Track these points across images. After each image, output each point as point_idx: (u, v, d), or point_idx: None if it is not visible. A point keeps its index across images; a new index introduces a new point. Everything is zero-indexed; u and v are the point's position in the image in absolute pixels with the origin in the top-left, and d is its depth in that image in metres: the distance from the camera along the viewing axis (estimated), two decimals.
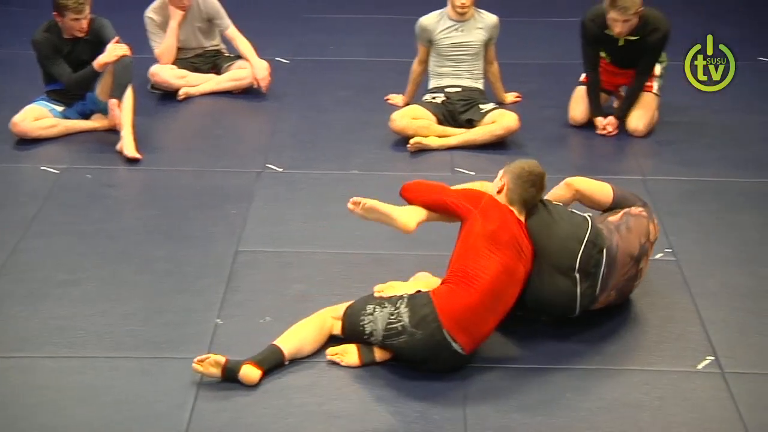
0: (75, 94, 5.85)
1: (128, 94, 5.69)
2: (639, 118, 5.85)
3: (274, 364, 3.82)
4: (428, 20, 5.85)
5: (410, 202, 4.10)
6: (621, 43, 5.68)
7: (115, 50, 5.66)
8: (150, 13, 6.37)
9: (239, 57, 6.43)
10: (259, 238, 4.81)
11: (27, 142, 5.69)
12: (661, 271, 4.34)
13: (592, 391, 3.82)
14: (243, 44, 6.39)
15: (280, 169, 5.50)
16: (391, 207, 4.04)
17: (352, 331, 3.90)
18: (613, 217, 4.12)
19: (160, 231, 4.90)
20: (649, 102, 5.87)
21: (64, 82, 5.76)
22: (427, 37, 5.84)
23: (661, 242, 4.52)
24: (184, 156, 5.70)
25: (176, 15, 6.32)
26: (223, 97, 6.35)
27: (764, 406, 3.74)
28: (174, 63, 6.37)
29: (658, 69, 5.87)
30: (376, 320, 3.83)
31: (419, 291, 3.88)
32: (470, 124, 5.77)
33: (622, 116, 5.88)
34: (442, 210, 4.03)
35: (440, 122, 5.79)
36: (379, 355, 3.90)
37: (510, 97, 6.19)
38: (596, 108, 5.90)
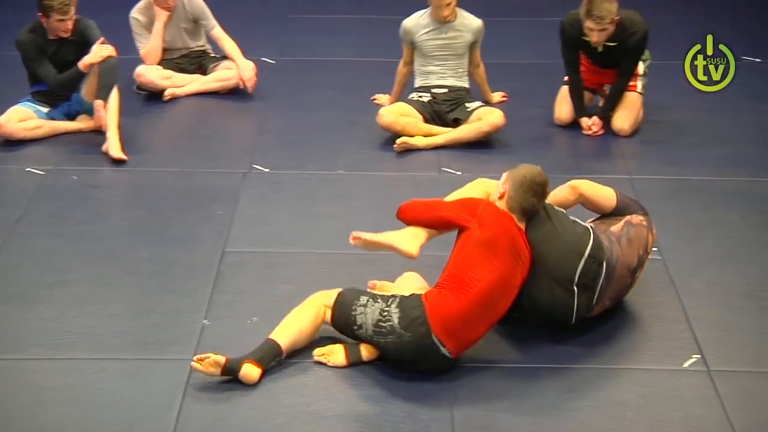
0: (60, 95, 5.83)
1: (114, 95, 5.68)
2: (624, 118, 5.87)
3: (272, 360, 3.82)
4: (411, 22, 5.83)
5: (408, 224, 4.04)
6: (600, 49, 5.69)
7: (100, 51, 5.65)
8: (135, 13, 6.35)
9: (225, 57, 6.42)
10: (245, 239, 4.81)
11: (12, 143, 5.67)
12: (648, 270, 4.35)
13: (578, 389, 3.83)
14: (229, 45, 6.38)
15: (267, 170, 5.49)
16: (391, 237, 3.97)
17: (342, 321, 3.89)
18: (615, 227, 4.09)
19: (147, 232, 4.89)
20: (633, 101, 5.89)
21: (50, 83, 5.75)
22: (410, 39, 5.83)
23: None
24: (170, 157, 5.69)
25: (161, 15, 6.31)
26: (209, 98, 6.34)
27: (750, 403, 3.75)
28: (159, 64, 6.36)
29: (641, 68, 5.88)
30: (367, 314, 3.82)
31: (413, 294, 3.87)
32: (457, 123, 5.77)
33: (606, 116, 5.90)
34: (441, 225, 3.98)
35: (426, 121, 5.79)
36: (366, 354, 3.90)
37: (496, 96, 6.20)
38: (580, 109, 5.91)
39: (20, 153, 5.63)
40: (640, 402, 3.76)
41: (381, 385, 3.82)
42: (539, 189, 3.97)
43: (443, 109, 5.80)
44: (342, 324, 3.90)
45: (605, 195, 4.20)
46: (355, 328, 3.86)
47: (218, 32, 6.39)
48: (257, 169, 5.50)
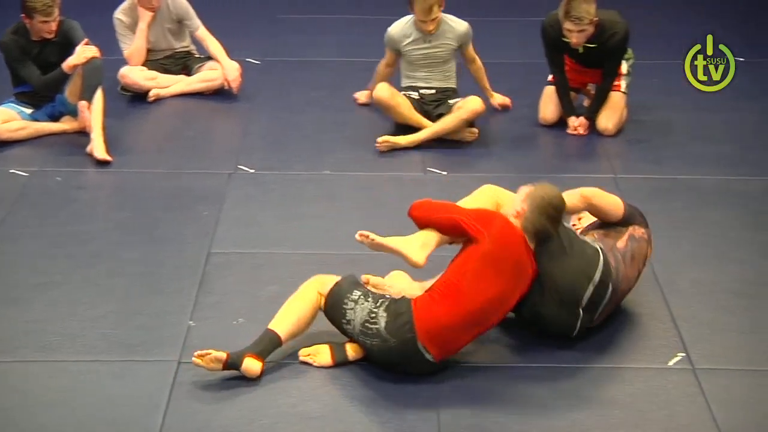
0: (44, 97, 5.81)
1: (98, 96, 5.66)
2: (608, 118, 5.88)
3: (272, 351, 3.83)
4: (396, 30, 5.77)
5: (418, 221, 3.99)
6: (581, 50, 5.70)
7: (84, 52, 5.63)
8: (119, 14, 6.33)
9: (210, 58, 6.41)
10: (231, 240, 4.81)
11: None
12: None
13: (564, 389, 3.84)
14: (213, 45, 6.37)
15: (252, 170, 5.49)
16: (400, 243, 3.92)
17: (333, 312, 3.88)
18: (621, 242, 4.08)
19: (132, 233, 4.88)
20: (617, 101, 5.91)
21: (33, 84, 5.73)
22: (395, 47, 5.81)
23: None
24: (155, 158, 5.67)
25: (145, 16, 6.29)
26: (194, 99, 6.33)
27: (734, 401, 3.77)
28: (144, 64, 6.34)
29: (624, 67, 5.90)
30: (356, 311, 3.82)
31: (403, 297, 3.85)
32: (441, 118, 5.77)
33: (592, 116, 5.91)
34: (451, 229, 3.91)
35: None
36: (352, 354, 3.90)
37: (498, 98, 6.09)
38: (568, 108, 5.92)
39: (4, 154, 5.60)
40: (626, 401, 3.78)
41: (368, 386, 3.82)
42: (555, 214, 3.91)
43: (430, 109, 5.80)
44: (333, 315, 3.90)
45: (614, 206, 4.16)
46: (344, 322, 3.86)
47: (203, 33, 6.38)
48: (243, 169, 5.49)
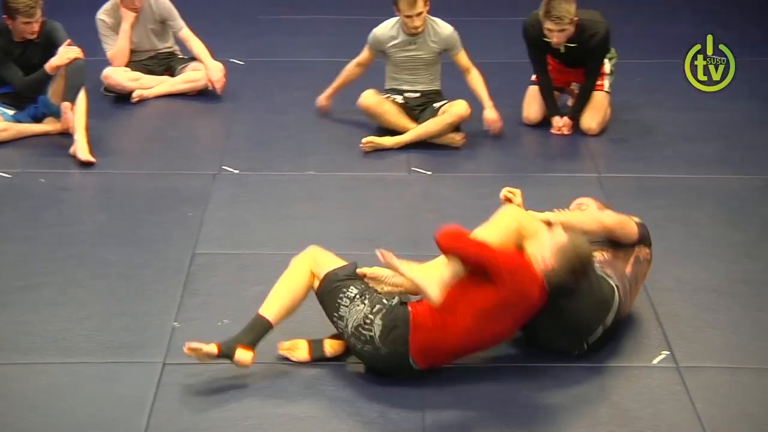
0: (27, 98, 5.79)
1: (81, 97, 5.64)
2: (592, 118, 5.90)
3: (263, 337, 3.82)
4: (382, 33, 5.75)
5: (445, 250, 3.83)
6: (562, 50, 5.72)
7: (67, 53, 5.62)
8: (102, 15, 6.32)
9: (193, 59, 6.40)
10: (216, 241, 4.80)
11: None
12: None
13: (549, 388, 3.85)
14: (197, 46, 6.36)
15: (236, 171, 5.48)
16: (420, 275, 3.77)
17: (326, 300, 3.85)
18: (629, 267, 4.08)
19: (116, 234, 4.87)
20: (600, 101, 5.93)
21: (16, 85, 5.71)
22: (380, 48, 5.79)
23: None
24: (139, 159, 5.66)
25: (128, 17, 6.28)
26: (178, 99, 6.32)
27: (718, 399, 3.79)
28: (127, 65, 6.33)
29: (607, 66, 5.92)
30: (351, 311, 3.79)
31: (401, 303, 3.80)
32: None
33: (575, 116, 5.93)
34: (476, 266, 3.77)
35: None
36: (329, 351, 3.91)
37: (491, 113, 5.78)
38: (552, 107, 5.94)
39: None
40: (611, 399, 3.79)
41: (352, 386, 3.82)
42: (582, 271, 3.85)
43: (414, 114, 5.80)
44: (325, 302, 3.87)
45: (630, 233, 4.14)
46: (336, 316, 3.84)
47: (186, 33, 6.37)
48: (227, 170, 5.48)
